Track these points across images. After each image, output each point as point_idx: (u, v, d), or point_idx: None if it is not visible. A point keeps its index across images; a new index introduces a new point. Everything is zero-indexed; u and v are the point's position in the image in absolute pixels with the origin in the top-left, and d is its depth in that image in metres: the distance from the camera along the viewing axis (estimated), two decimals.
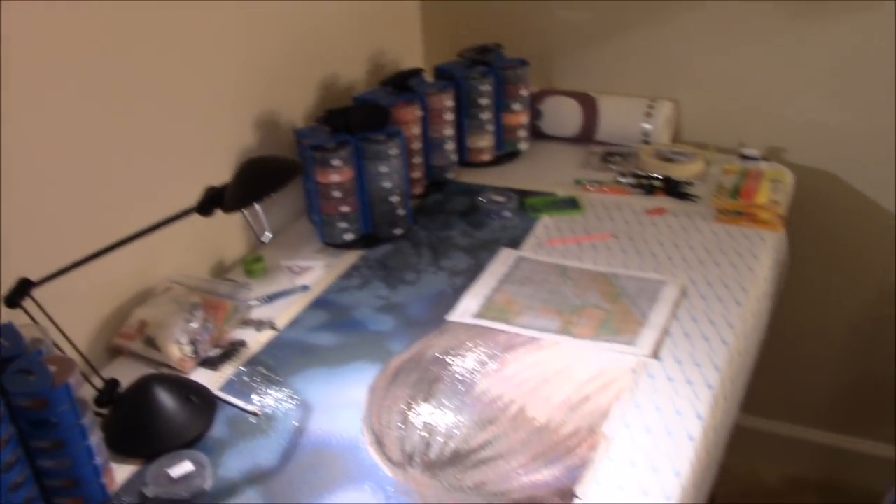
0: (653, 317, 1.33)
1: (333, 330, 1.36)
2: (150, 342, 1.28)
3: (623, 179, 1.78)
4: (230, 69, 1.52)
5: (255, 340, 1.34)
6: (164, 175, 1.39)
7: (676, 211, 1.66)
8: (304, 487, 1.04)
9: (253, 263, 1.52)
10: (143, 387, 1.16)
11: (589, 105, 1.94)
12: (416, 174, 1.74)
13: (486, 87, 1.82)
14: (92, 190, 1.27)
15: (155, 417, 1.13)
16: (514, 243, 1.57)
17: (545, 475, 1.04)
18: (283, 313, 1.40)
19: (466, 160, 1.89)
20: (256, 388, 1.23)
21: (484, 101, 1.83)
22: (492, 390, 1.19)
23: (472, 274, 1.48)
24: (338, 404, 1.19)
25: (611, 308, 1.36)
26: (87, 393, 1.07)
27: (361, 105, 1.66)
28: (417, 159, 1.73)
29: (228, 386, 1.24)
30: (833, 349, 2.06)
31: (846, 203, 1.88)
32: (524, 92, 1.88)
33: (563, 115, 1.96)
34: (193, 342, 1.27)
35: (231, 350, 1.31)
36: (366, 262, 1.54)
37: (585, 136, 1.96)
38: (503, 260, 1.52)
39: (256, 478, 1.06)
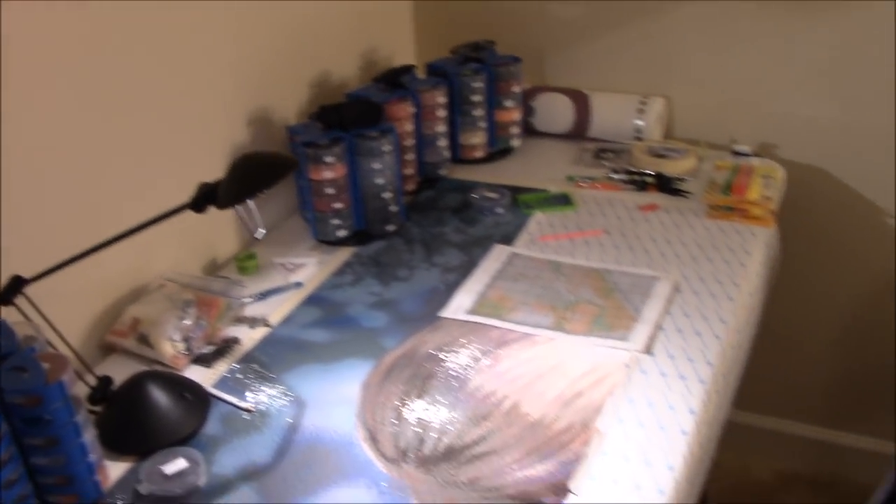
0: (646, 312, 1.34)
1: (327, 326, 1.36)
2: (144, 339, 1.28)
3: (615, 176, 1.78)
4: (223, 66, 1.52)
5: (249, 337, 1.34)
6: (156, 172, 1.39)
7: (669, 207, 1.66)
8: (298, 484, 1.04)
9: (246, 260, 1.52)
10: (137, 384, 1.16)
11: (581, 102, 1.94)
12: (409, 171, 1.74)
13: (478, 84, 1.82)
14: (85, 187, 1.27)
15: (148, 415, 1.13)
16: (507, 240, 1.58)
17: (539, 470, 1.04)
18: (277, 310, 1.40)
19: (459, 157, 1.89)
20: (250, 385, 1.23)
21: (476, 98, 1.83)
22: (485, 386, 1.19)
23: (465, 270, 1.48)
24: (331, 401, 1.19)
25: (604, 304, 1.36)
26: (81, 391, 1.07)
27: (354, 102, 1.67)
28: (410, 156, 1.73)
29: (222, 383, 1.24)
30: (824, 344, 2.07)
31: (837, 198, 1.89)
32: (517, 89, 1.88)
33: (555, 111, 1.96)
34: (186, 339, 1.27)
35: (224, 347, 1.31)
36: (359, 259, 1.55)
37: (578, 132, 1.96)
38: (496, 256, 1.52)
39: (250, 474, 1.06)
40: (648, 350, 1.25)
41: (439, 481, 1.04)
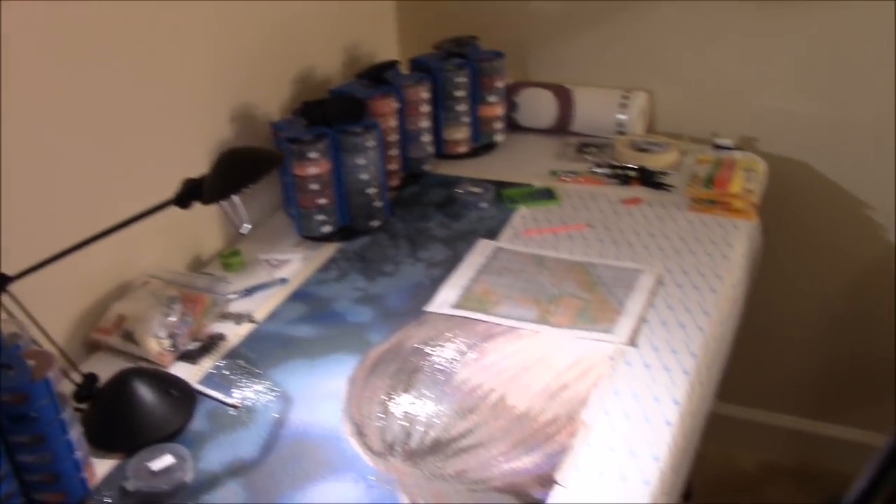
0: (629, 305, 1.34)
1: (312, 322, 1.36)
2: (129, 336, 1.27)
3: (598, 170, 1.79)
4: (206, 62, 1.51)
5: (234, 333, 1.34)
6: (140, 169, 1.38)
7: (651, 200, 1.67)
8: (286, 478, 1.05)
9: (230, 257, 1.51)
10: (122, 381, 1.15)
11: (564, 96, 1.95)
12: (393, 166, 1.74)
13: (461, 80, 1.82)
14: (68, 184, 1.26)
15: (134, 411, 1.12)
16: (492, 234, 1.58)
17: (525, 462, 1.05)
18: (262, 306, 1.40)
19: (443, 152, 1.89)
20: (236, 381, 1.23)
21: (460, 94, 1.83)
22: (471, 379, 1.20)
23: (449, 265, 1.49)
24: (318, 396, 1.19)
25: (588, 297, 1.37)
26: (66, 388, 1.07)
27: (338, 97, 1.66)
28: (394, 151, 1.73)
29: (208, 379, 1.24)
30: (807, 335, 2.08)
31: (817, 190, 1.90)
32: (500, 84, 1.88)
33: (538, 106, 1.97)
34: (172, 336, 1.27)
35: (210, 343, 1.31)
36: (343, 255, 1.55)
37: (561, 127, 1.97)
38: (481, 251, 1.52)
39: (237, 470, 1.07)
40: (633, 342, 1.26)
41: (426, 474, 1.04)
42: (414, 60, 1.87)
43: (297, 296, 1.43)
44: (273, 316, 1.38)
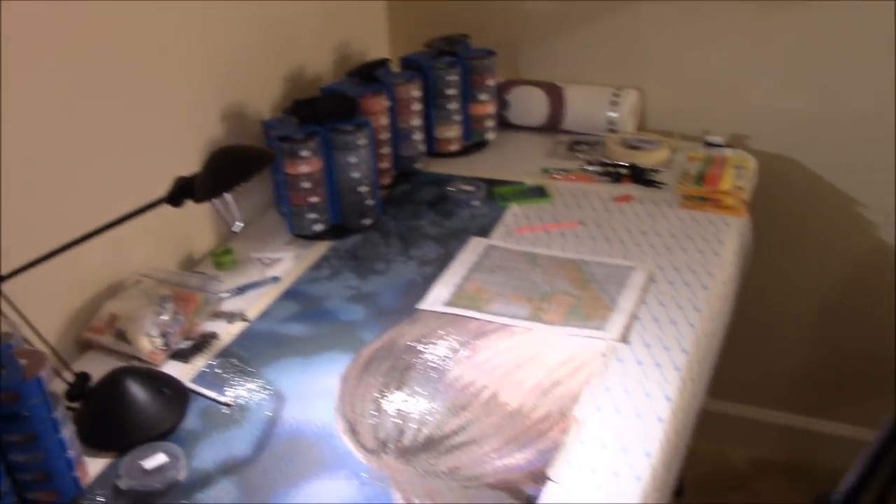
0: (621, 302, 1.35)
1: (305, 320, 1.36)
2: (121, 335, 1.27)
3: (590, 168, 1.79)
4: (197, 61, 1.51)
5: (227, 332, 1.34)
6: (131, 168, 1.38)
7: (643, 198, 1.68)
8: (279, 476, 1.05)
9: (222, 256, 1.51)
10: (115, 380, 1.15)
11: (555, 94, 1.95)
12: (385, 165, 1.74)
13: (453, 78, 1.82)
14: (60, 183, 1.26)
15: (127, 410, 1.12)
16: (484, 232, 1.58)
17: (518, 459, 1.05)
18: (254, 305, 1.40)
19: (435, 150, 1.89)
20: (229, 380, 1.23)
21: (451, 92, 1.83)
22: (464, 377, 1.20)
23: (442, 263, 1.49)
24: (311, 394, 1.19)
25: (580, 294, 1.38)
26: (58, 387, 1.06)
27: (329, 96, 1.66)
28: (386, 150, 1.73)
29: (200, 378, 1.24)
30: (797, 332, 2.09)
31: (807, 187, 1.91)
32: (491, 82, 1.89)
33: (529, 104, 1.97)
34: (164, 335, 1.27)
35: (202, 342, 1.31)
36: (336, 253, 1.55)
37: (552, 125, 1.97)
38: (473, 248, 1.53)
39: (231, 468, 1.07)
40: (624, 339, 1.27)
41: (419, 471, 1.04)
42: (405, 59, 1.87)
43: (290, 294, 1.43)
44: (265, 314, 1.38)
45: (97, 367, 1.19)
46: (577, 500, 0.99)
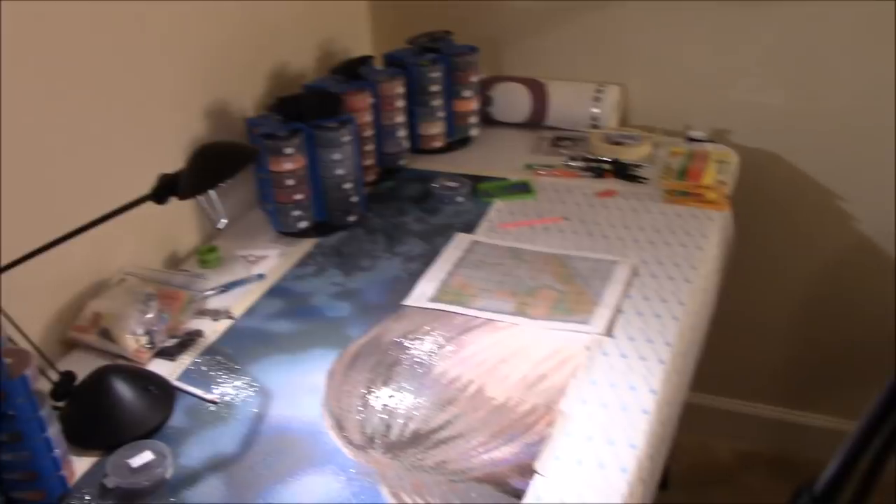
0: (606, 296, 1.36)
1: (290, 317, 1.36)
2: (106, 334, 1.27)
3: (573, 163, 1.80)
4: (179, 58, 1.51)
5: (212, 330, 1.33)
6: (114, 166, 1.38)
7: (626, 193, 1.69)
8: (266, 473, 1.05)
9: (207, 254, 1.51)
10: (100, 378, 1.15)
11: (538, 91, 1.96)
12: (369, 161, 1.74)
13: (436, 74, 1.83)
14: (42, 180, 1.25)
15: (113, 408, 1.12)
16: (468, 228, 1.59)
17: (505, 452, 1.06)
18: (240, 302, 1.40)
19: (418, 147, 1.89)
20: (215, 377, 1.23)
21: (434, 88, 1.84)
22: (450, 371, 1.20)
23: (426, 259, 1.49)
24: (297, 390, 1.19)
25: (564, 289, 1.38)
26: (43, 387, 1.06)
27: (313, 93, 1.66)
28: (370, 147, 1.73)
29: (186, 375, 1.23)
30: (780, 324, 2.11)
31: (789, 181, 1.93)
32: (474, 78, 1.89)
33: (513, 101, 1.98)
34: (149, 333, 1.27)
35: (188, 340, 1.31)
36: (321, 250, 1.55)
37: (535, 121, 1.98)
38: (457, 244, 1.53)
39: (218, 465, 1.07)
40: (609, 332, 1.27)
41: (406, 466, 1.05)
42: (388, 56, 1.87)
43: (275, 291, 1.43)
44: (251, 312, 1.38)
45: (82, 366, 1.19)
46: (563, 493, 1.00)
